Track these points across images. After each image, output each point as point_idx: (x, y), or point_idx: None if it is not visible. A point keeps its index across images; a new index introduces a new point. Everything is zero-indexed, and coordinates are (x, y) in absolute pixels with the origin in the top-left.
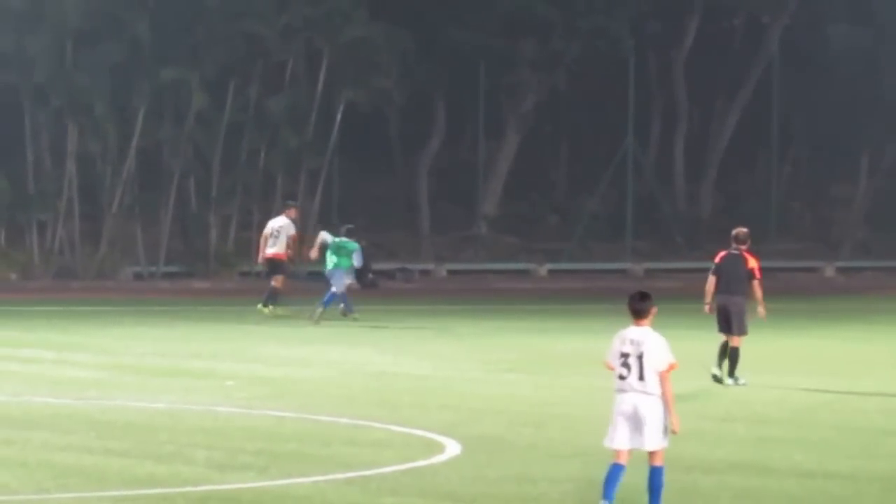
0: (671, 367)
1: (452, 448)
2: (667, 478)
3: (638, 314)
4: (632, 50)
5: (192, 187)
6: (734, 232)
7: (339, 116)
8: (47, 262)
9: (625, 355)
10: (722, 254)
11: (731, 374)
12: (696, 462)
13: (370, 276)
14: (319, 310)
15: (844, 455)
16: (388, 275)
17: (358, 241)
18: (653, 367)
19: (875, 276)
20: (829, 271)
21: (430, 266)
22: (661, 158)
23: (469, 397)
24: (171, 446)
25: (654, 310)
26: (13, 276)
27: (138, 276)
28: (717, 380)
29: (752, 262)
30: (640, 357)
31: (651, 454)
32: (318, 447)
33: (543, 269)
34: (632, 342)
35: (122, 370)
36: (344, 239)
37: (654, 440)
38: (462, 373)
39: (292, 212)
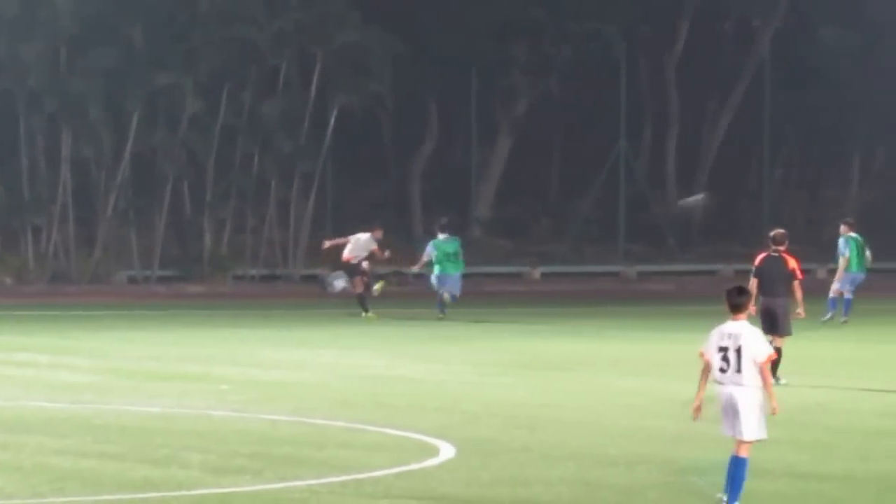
0: (769, 359)
1: (446, 451)
2: (661, 479)
3: (736, 308)
4: (623, 53)
5: (186, 192)
6: (772, 234)
7: (332, 120)
8: (42, 266)
9: (723, 349)
10: (762, 256)
11: (773, 374)
12: (689, 464)
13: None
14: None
15: (839, 456)
16: (382, 278)
17: (453, 233)
18: (752, 358)
19: (867, 278)
20: (822, 273)
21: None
22: (653, 161)
23: (463, 400)
24: (166, 450)
25: (752, 306)
26: (8, 280)
27: (133, 281)
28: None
29: (793, 263)
30: (738, 350)
31: (738, 444)
32: (312, 450)
33: (536, 272)
34: (730, 336)
35: (116, 374)
36: (445, 238)
37: (749, 430)
38: (456, 376)
39: (378, 232)
